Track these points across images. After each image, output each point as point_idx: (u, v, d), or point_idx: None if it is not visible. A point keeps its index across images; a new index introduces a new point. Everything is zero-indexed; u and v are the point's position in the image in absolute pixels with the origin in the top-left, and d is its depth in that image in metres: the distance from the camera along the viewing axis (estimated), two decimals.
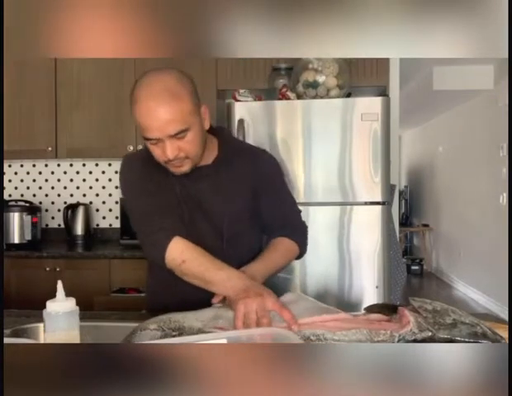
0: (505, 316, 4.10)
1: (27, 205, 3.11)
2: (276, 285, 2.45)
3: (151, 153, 1.31)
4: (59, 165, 3.33)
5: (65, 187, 3.33)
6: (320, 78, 2.52)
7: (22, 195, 3.33)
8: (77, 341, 0.98)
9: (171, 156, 1.24)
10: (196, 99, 1.26)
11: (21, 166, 3.34)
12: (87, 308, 1.24)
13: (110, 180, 3.29)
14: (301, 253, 1.52)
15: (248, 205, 1.43)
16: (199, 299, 1.25)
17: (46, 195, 3.35)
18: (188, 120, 1.22)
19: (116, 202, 3.27)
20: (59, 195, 3.34)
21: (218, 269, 1.23)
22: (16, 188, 3.35)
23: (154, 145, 1.25)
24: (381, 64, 2.77)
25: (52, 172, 3.34)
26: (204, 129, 1.31)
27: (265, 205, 1.45)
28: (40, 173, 3.34)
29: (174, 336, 1.04)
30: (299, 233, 1.51)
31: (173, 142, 1.23)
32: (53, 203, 3.35)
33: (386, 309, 1.16)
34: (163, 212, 1.32)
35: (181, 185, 1.37)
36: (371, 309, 1.19)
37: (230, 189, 1.40)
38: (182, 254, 1.26)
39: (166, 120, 1.18)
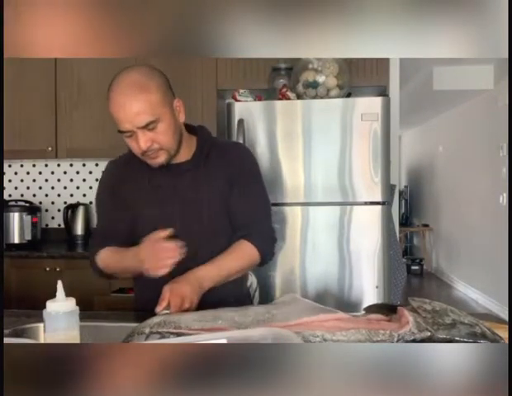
0: (505, 316, 4.10)
1: (27, 205, 3.11)
2: (276, 285, 2.46)
3: (132, 155, 1.40)
4: (59, 165, 3.33)
5: (65, 187, 3.33)
6: (320, 78, 2.52)
7: (22, 195, 3.33)
8: (77, 341, 0.98)
9: (144, 147, 1.28)
10: (167, 91, 1.32)
11: (21, 166, 3.34)
12: (87, 308, 1.24)
13: None
14: (264, 261, 1.45)
15: (226, 199, 1.43)
16: None
17: (46, 195, 3.35)
18: (158, 112, 1.27)
19: None
20: (59, 195, 3.34)
21: (126, 253, 1.34)
22: (16, 188, 3.35)
23: (128, 138, 1.30)
24: (381, 64, 2.77)
25: (52, 172, 3.34)
26: (178, 121, 1.36)
27: (233, 199, 1.43)
28: (40, 173, 3.34)
29: (172, 337, 1.03)
30: (262, 238, 1.43)
31: (145, 133, 1.27)
32: (53, 203, 3.35)
33: (386, 309, 1.16)
34: (107, 232, 1.44)
35: (163, 182, 1.41)
36: (370, 309, 1.19)
37: (209, 184, 1.42)
38: (103, 261, 1.40)
39: (135, 112, 1.24)
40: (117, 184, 1.45)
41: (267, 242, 1.46)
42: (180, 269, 1.27)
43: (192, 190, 1.41)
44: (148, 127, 1.27)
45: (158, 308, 1.20)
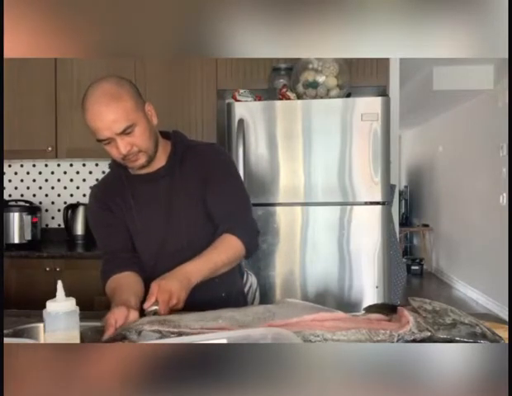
0: (505, 316, 4.09)
1: (27, 205, 3.11)
2: (276, 285, 2.45)
3: (112, 175, 1.52)
4: (59, 165, 3.33)
5: (65, 187, 3.33)
6: (320, 78, 2.52)
7: (22, 195, 3.33)
8: (77, 341, 0.98)
9: (124, 151, 1.34)
10: (137, 98, 1.37)
11: (21, 166, 3.34)
12: (87, 308, 1.24)
13: None
14: (249, 252, 1.46)
15: (203, 199, 1.46)
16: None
17: (46, 195, 3.35)
18: (132, 117, 1.32)
19: None
20: (59, 195, 3.34)
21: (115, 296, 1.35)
22: (16, 188, 3.35)
23: (108, 145, 1.35)
24: (381, 64, 2.77)
25: (52, 172, 3.34)
26: (152, 124, 1.42)
27: (210, 197, 1.46)
28: (40, 173, 3.34)
29: (173, 336, 1.03)
30: (244, 230, 1.45)
31: (123, 138, 1.33)
32: (53, 203, 3.34)
33: (386, 309, 1.16)
34: (112, 256, 1.48)
35: (144, 192, 1.47)
36: (370, 309, 1.19)
37: (185, 187, 1.46)
38: (107, 290, 1.43)
39: (111, 119, 1.30)
40: (107, 204, 1.50)
41: (250, 233, 1.48)
42: (168, 271, 1.31)
43: (169, 195, 1.46)
44: (125, 132, 1.32)
45: (147, 305, 1.21)
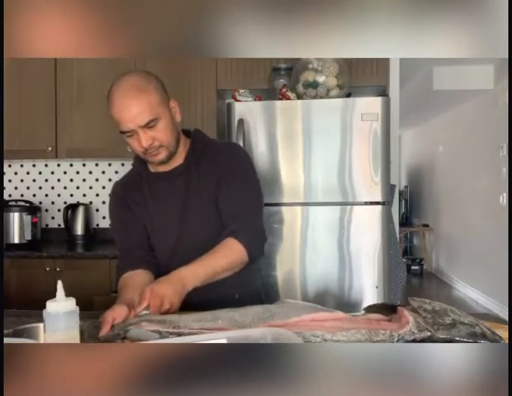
0: (505, 316, 4.10)
1: (27, 205, 3.11)
2: (276, 285, 2.45)
3: (133, 172, 1.54)
4: (59, 165, 3.33)
5: (65, 187, 3.33)
6: (320, 78, 2.52)
7: (22, 195, 3.33)
8: (77, 341, 0.98)
9: (146, 144, 1.35)
10: (163, 93, 1.39)
11: (21, 166, 3.34)
12: (87, 308, 1.24)
13: (110, 180, 3.29)
14: (252, 258, 1.42)
15: (217, 200, 1.45)
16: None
17: (46, 195, 3.35)
18: (157, 111, 1.34)
19: None
20: (59, 195, 3.34)
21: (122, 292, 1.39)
22: (16, 188, 3.35)
23: (130, 138, 1.36)
24: (381, 64, 2.77)
25: (52, 172, 3.34)
26: (175, 120, 1.43)
27: (221, 197, 1.44)
28: (40, 173, 3.34)
29: (172, 337, 1.03)
30: (249, 236, 1.41)
31: (145, 131, 1.34)
32: (53, 203, 3.35)
33: (386, 309, 1.16)
34: (128, 253, 1.49)
35: (161, 190, 1.48)
36: (370, 309, 1.19)
37: (200, 186, 1.46)
38: (119, 285, 1.45)
39: (136, 112, 1.31)
40: (125, 201, 1.52)
41: (255, 239, 1.44)
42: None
43: (185, 194, 1.46)
44: (148, 125, 1.33)
45: (138, 309, 1.19)
